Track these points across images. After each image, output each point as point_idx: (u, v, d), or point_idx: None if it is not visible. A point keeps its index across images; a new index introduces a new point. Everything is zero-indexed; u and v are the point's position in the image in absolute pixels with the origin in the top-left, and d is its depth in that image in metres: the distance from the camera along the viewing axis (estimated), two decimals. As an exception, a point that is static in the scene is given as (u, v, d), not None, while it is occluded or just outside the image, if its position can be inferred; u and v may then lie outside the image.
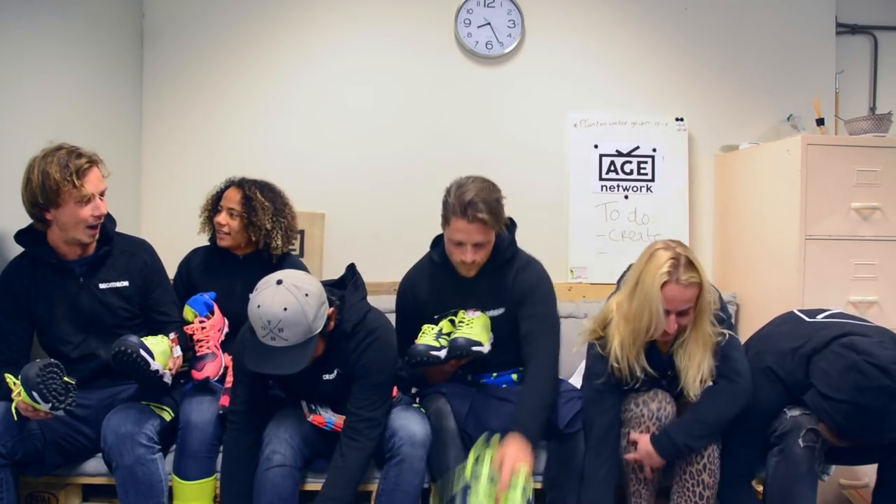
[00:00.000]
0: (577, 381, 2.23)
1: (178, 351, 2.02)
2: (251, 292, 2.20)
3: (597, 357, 1.97)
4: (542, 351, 2.02)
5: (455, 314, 2.13)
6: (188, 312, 2.17)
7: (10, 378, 1.75)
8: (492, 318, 2.13)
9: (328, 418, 1.99)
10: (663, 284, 1.76)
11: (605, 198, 3.11)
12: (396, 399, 2.13)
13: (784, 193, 2.61)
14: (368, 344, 1.91)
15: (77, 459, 2.01)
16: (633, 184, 3.12)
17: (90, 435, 1.97)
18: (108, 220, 2.06)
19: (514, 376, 2.20)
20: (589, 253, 3.08)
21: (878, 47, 3.28)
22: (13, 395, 1.73)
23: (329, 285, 1.97)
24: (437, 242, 2.22)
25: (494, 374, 2.19)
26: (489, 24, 3.08)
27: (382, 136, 3.08)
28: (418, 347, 2.03)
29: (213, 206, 2.36)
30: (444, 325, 2.12)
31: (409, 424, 1.96)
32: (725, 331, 1.91)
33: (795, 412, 1.87)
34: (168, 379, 1.96)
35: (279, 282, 1.74)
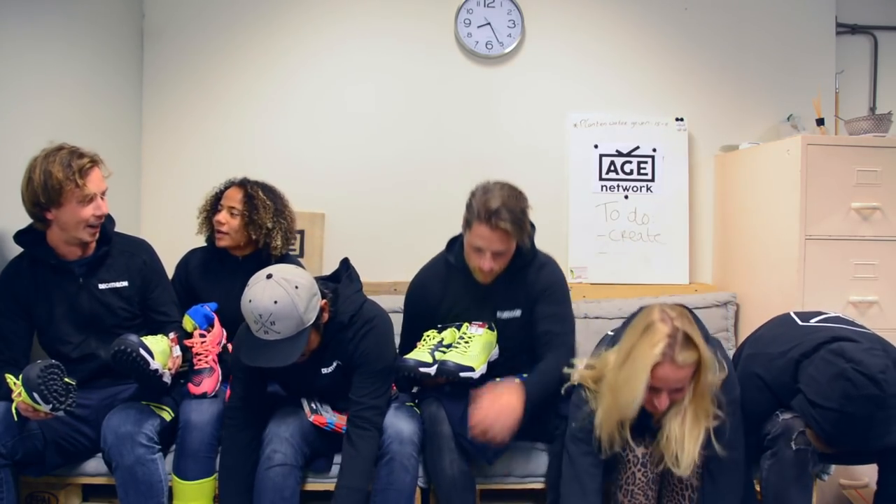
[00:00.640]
0: None
1: (177, 350, 2.02)
2: None
3: (577, 408, 1.86)
4: (558, 348, 2.02)
5: (459, 327, 2.08)
6: (188, 323, 2.15)
7: (10, 378, 1.75)
8: (507, 322, 2.09)
9: (329, 419, 2.00)
10: (655, 365, 1.64)
11: (605, 198, 3.11)
12: (393, 396, 2.14)
13: (784, 193, 2.61)
14: (366, 332, 1.93)
15: (77, 459, 2.01)
16: (633, 184, 3.12)
17: (90, 435, 1.97)
18: (107, 220, 2.06)
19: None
20: (589, 253, 3.08)
21: (878, 47, 3.28)
22: (13, 395, 1.73)
23: (323, 280, 1.98)
24: (453, 244, 2.18)
25: (498, 379, 2.18)
26: (489, 24, 3.08)
27: (382, 137, 3.08)
28: (408, 362, 1.95)
29: (213, 206, 2.35)
30: (448, 334, 2.07)
31: (397, 422, 1.97)
32: (721, 413, 1.78)
33: (787, 415, 1.86)
34: (167, 378, 1.96)
35: (269, 276, 1.76)
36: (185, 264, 2.40)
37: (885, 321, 2.51)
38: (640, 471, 1.86)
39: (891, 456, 1.85)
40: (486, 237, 1.94)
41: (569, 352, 2.04)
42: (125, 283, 2.07)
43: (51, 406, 1.71)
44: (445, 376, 1.94)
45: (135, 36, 2.99)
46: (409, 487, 1.94)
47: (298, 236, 2.97)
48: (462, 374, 1.93)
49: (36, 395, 1.68)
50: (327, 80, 3.07)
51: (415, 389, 2.31)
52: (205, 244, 2.42)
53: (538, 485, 2.14)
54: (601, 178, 3.11)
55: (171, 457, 2.01)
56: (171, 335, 2.04)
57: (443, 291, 2.14)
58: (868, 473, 2.30)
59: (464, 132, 3.09)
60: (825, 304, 2.19)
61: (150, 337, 1.97)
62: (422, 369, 1.94)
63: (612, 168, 3.11)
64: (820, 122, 2.91)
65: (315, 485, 2.00)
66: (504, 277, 2.08)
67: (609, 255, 3.09)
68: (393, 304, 2.62)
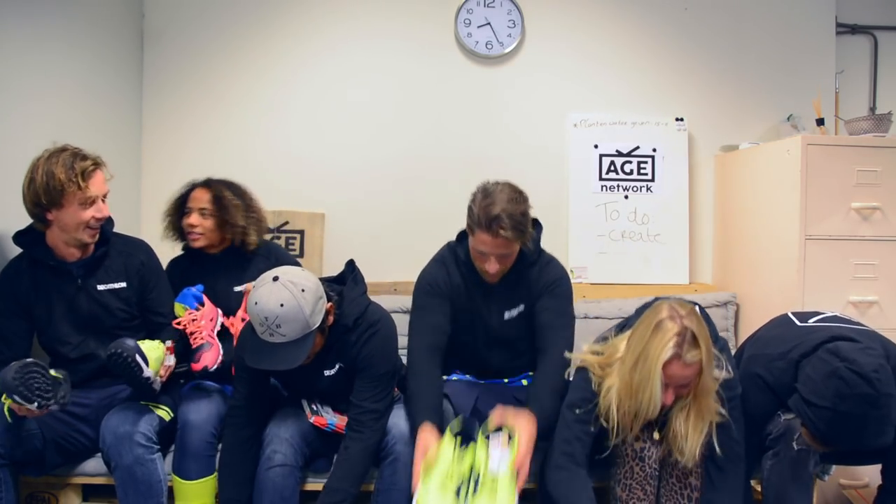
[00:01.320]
0: None
1: (171, 360, 2.01)
2: (233, 286, 2.24)
3: (583, 389, 1.88)
4: (557, 343, 2.01)
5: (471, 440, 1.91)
6: (178, 309, 2.15)
7: None
8: (511, 318, 2.10)
9: (330, 420, 2.00)
10: (666, 363, 1.68)
11: (605, 198, 3.11)
12: (396, 397, 2.13)
13: (784, 193, 2.61)
14: (370, 336, 1.92)
15: (77, 459, 2.01)
16: (633, 184, 3.12)
17: (90, 434, 1.97)
18: (106, 221, 2.06)
19: (525, 381, 2.21)
20: (589, 253, 3.08)
21: (878, 47, 3.28)
22: (2, 398, 1.73)
23: (328, 281, 1.98)
24: (464, 237, 2.15)
25: (506, 380, 2.20)
26: (489, 24, 3.08)
27: (382, 137, 3.09)
28: None
29: (179, 209, 2.31)
30: (468, 462, 1.83)
31: (401, 423, 1.97)
32: (724, 412, 1.81)
33: (789, 416, 1.87)
34: (157, 386, 1.96)
35: (275, 278, 1.76)
36: (169, 275, 2.32)
37: (885, 321, 2.51)
38: (638, 465, 1.86)
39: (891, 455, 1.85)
40: (489, 243, 1.95)
41: (568, 346, 2.03)
42: (123, 284, 2.07)
43: (36, 404, 1.70)
44: None
45: (135, 36, 2.99)
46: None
47: (298, 236, 2.97)
48: None
49: (16, 397, 1.68)
50: (327, 80, 3.07)
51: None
52: (181, 252, 2.40)
53: (530, 485, 2.14)
54: (601, 178, 3.11)
55: (170, 457, 2.02)
56: (168, 343, 2.03)
57: (451, 284, 2.11)
58: (868, 473, 2.30)
59: (464, 132, 3.09)
60: (825, 305, 2.18)
61: (147, 342, 1.96)
62: None
63: (612, 168, 3.11)
64: (820, 122, 2.91)
65: (315, 485, 2.00)
66: (510, 277, 2.08)
67: (609, 255, 3.09)
68: (393, 304, 2.62)
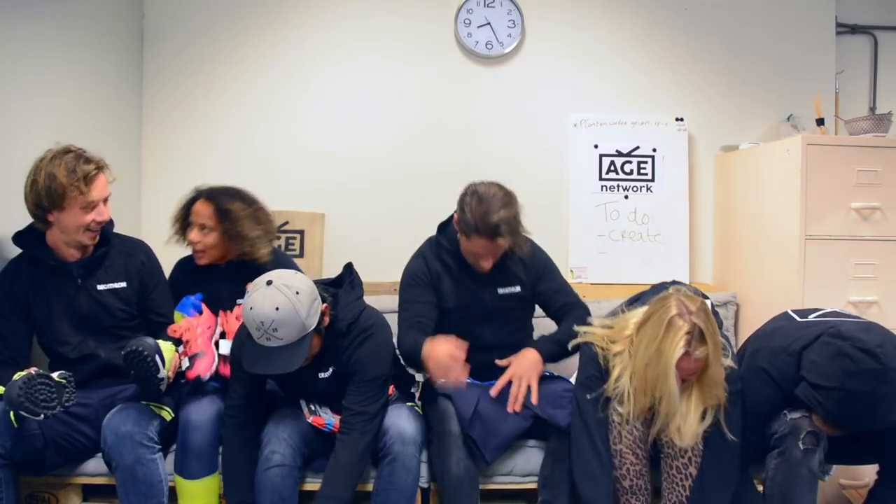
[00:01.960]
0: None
1: (186, 363, 2.01)
2: (237, 297, 2.19)
3: (590, 366, 1.96)
4: (578, 312, 2.21)
5: None
6: (178, 317, 2.14)
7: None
8: (506, 296, 2.19)
9: (328, 420, 2.00)
10: (678, 360, 1.75)
11: (605, 198, 3.11)
12: (393, 397, 2.14)
13: (784, 193, 2.61)
14: (362, 340, 1.92)
15: (77, 459, 2.01)
16: (633, 184, 3.12)
17: (90, 435, 1.97)
18: (106, 222, 2.06)
19: None
20: (589, 253, 3.08)
21: (878, 47, 3.28)
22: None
23: (323, 283, 1.98)
24: (444, 227, 2.24)
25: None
26: (489, 24, 3.08)
27: (383, 137, 3.08)
28: None
29: (183, 218, 2.25)
30: None
31: (399, 422, 1.97)
32: (725, 400, 1.87)
33: (795, 414, 1.87)
34: (164, 387, 1.95)
35: (269, 282, 1.75)
36: (173, 279, 2.31)
37: (885, 321, 2.48)
38: (626, 428, 1.89)
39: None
40: (486, 247, 2.03)
41: (584, 309, 2.25)
42: (123, 284, 2.07)
43: (42, 416, 1.71)
44: None
45: (135, 36, 2.99)
46: (411, 488, 1.95)
47: (298, 236, 2.97)
48: None
49: (23, 412, 1.69)
50: (327, 79, 3.07)
51: (414, 390, 2.32)
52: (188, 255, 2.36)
53: (531, 484, 2.14)
54: (601, 178, 3.11)
55: (171, 457, 2.02)
56: (181, 348, 2.03)
57: (432, 272, 2.18)
58: (868, 473, 2.29)
59: (464, 132, 3.09)
60: (825, 304, 2.18)
61: (163, 343, 1.96)
62: None
63: (612, 168, 3.11)
64: (820, 122, 2.91)
65: (314, 485, 2.00)
66: (499, 260, 2.15)
67: (609, 255, 3.09)
68: (393, 304, 2.61)
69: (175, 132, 3.04)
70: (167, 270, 2.31)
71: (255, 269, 2.16)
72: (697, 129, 3.17)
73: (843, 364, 1.71)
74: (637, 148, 3.12)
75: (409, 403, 2.15)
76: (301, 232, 2.97)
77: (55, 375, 1.78)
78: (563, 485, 1.99)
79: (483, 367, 2.17)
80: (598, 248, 3.09)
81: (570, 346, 2.07)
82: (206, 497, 1.98)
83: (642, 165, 3.12)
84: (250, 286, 1.80)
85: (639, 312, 1.92)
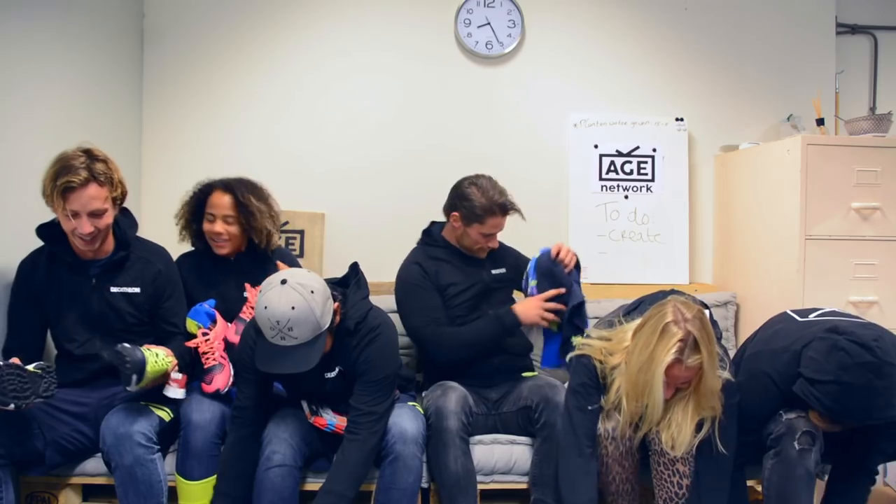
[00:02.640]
0: None
1: (175, 375, 1.99)
2: (243, 291, 2.21)
3: (583, 374, 1.94)
4: None
5: None
6: (191, 325, 2.13)
7: None
8: (498, 276, 2.39)
9: (329, 420, 2.00)
10: (668, 367, 1.74)
11: (605, 198, 3.11)
12: (395, 398, 2.13)
13: (784, 193, 2.61)
14: (370, 340, 1.92)
15: (77, 459, 2.01)
16: (633, 184, 3.12)
17: (90, 434, 1.97)
18: (128, 226, 2.08)
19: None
20: (589, 253, 3.07)
21: (878, 47, 3.28)
22: None
23: (331, 283, 1.98)
24: (429, 233, 2.45)
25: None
26: (489, 24, 3.08)
27: (383, 136, 3.08)
28: None
29: (195, 212, 2.25)
30: None
31: (401, 422, 1.97)
32: (721, 412, 1.85)
33: (791, 415, 1.87)
34: (131, 391, 1.89)
35: (284, 281, 1.75)
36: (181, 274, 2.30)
37: (885, 321, 2.49)
38: (612, 444, 1.91)
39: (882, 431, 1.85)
40: (499, 224, 2.29)
41: None
42: (137, 290, 2.06)
43: (13, 405, 1.70)
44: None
45: (135, 36, 2.99)
46: (413, 487, 1.95)
47: (299, 235, 2.97)
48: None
49: None
50: (327, 79, 3.07)
51: (413, 392, 2.33)
52: (191, 248, 2.35)
53: (522, 484, 2.15)
54: (601, 178, 3.11)
55: (170, 457, 2.02)
56: (174, 362, 1.98)
57: (437, 265, 2.33)
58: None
59: (464, 132, 3.09)
60: (825, 304, 2.18)
61: (158, 356, 1.90)
62: None
63: (612, 168, 3.11)
64: (820, 122, 2.92)
65: (315, 485, 2.00)
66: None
67: (609, 255, 3.09)
68: (393, 304, 2.62)
69: (175, 132, 3.04)
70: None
71: (261, 261, 2.25)
72: (697, 129, 3.17)
73: (838, 358, 1.72)
74: (637, 148, 3.12)
75: (411, 403, 2.15)
76: (301, 232, 2.97)
77: (31, 367, 1.77)
78: (553, 482, 2.01)
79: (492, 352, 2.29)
80: (598, 248, 3.09)
81: (567, 358, 2.06)
82: (206, 498, 1.98)
83: (642, 165, 3.12)
84: (262, 285, 1.78)
85: (637, 322, 1.90)
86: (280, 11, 3.06)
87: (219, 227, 2.20)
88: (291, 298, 1.72)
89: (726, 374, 1.87)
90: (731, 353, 2.40)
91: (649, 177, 3.12)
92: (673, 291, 2.05)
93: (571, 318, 2.22)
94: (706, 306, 1.95)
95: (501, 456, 2.15)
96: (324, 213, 3.03)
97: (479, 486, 2.09)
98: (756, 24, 3.18)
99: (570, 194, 3.10)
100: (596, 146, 3.11)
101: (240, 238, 2.25)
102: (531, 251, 2.42)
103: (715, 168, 3.18)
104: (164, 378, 1.96)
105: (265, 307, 1.72)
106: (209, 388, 2.03)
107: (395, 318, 2.20)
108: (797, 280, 2.54)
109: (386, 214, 3.07)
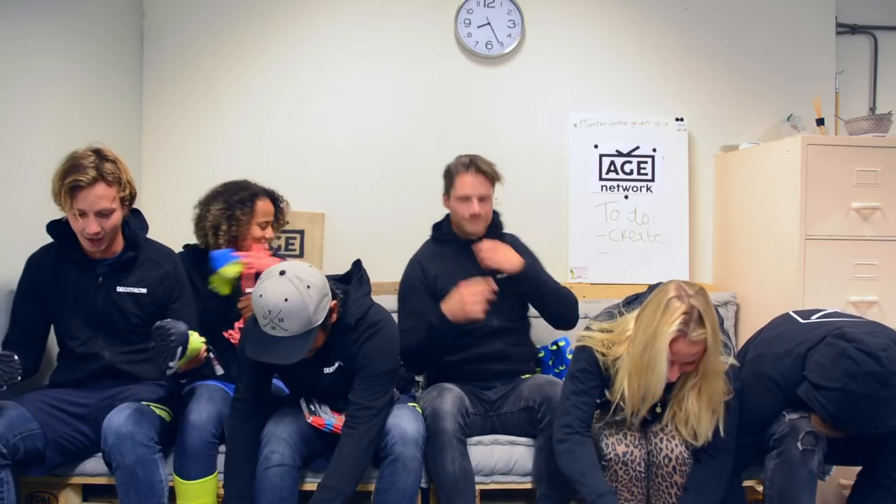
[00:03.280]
0: None
1: (207, 356, 2.00)
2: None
3: (583, 361, 1.91)
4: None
5: None
6: (231, 269, 2.12)
7: None
8: (504, 280, 2.24)
9: (328, 420, 2.00)
10: (672, 341, 1.71)
11: (605, 198, 3.11)
12: (395, 399, 2.13)
13: (784, 193, 2.61)
14: (370, 336, 1.93)
15: (77, 459, 2.01)
16: (633, 184, 3.12)
17: (90, 434, 1.97)
18: (138, 227, 2.08)
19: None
20: (589, 253, 3.08)
21: (878, 47, 3.28)
22: None
23: (335, 280, 1.98)
24: (438, 228, 2.43)
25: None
26: (489, 24, 3.08)
27: (382, 136, 3.08)
28: None
29: (235, 218, 2.25)
30: None
31: (401, 423, 1.97)
32: (732, 394, 1.85)
33: (794, 415, 1.87)
34: (168, 373, 1.91)
35: (282, 272, 1.76)
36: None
37: (885, 321, 2.47)
38: (622, 469, 1.88)
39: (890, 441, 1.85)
40: (471, 183, 2.24)
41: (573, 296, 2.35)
42: (144, 291, 2.06)
43: None
44: None
45: (135, 35, 2.99)
46: (412, 488, 1.95)
47: (299, 235, 2.97)
48: None
49: None
50: (327, 80, 3.07)
51: (414, 391, 2.33)
52: (184, 245, 2.38)
53: (526, 484, 2.15)
54: (601, 178, 3.11)
55: (171, 458, 2.01)
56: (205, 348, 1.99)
57: (437, 264, 2.31)
58: (868, 473, 2.29)
59: (464, 132, 3.09)
60: (825, 304, 2.18)
61: (192, 333, 1.92)
62: None
63: (612, 168, 3.11)
64: (820, 122, 2.92)
65: (314, 484, 2.00)
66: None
67: (609, 255, 3.09)
68: (393, 304, 2.61)
69: (175, 131, 3.04)
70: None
71: None
72: (697, 129, 3.17)
73: (845, 366, 1.71)
74: (637, 148, 3.12)
75: (411, 404, 2.15)
76: (301, 232, 2.97)
77: None
78: (558, 477, 2.00)
79: (492, 357, 2.26)
80: (598, 248, 3.09)
81: (567, 352, 2.06)
82: (204, 498, 1.98)
83: (642, 165, 3.12)
84: (263, 274, 1.81)
85: (638, 311, 1.88)
86: (280, 11, 3.06)
87: (268, 232, 2.33)
88: (286, 290, 1.73)
89: (730, 360, 1.86)
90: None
91: (649, 177, 3.12)
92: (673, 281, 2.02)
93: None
94: None
95: (501, 457, 2.15)
96: (324, 213, 3.03)
97: (479, 487, 2.10)
98: (756, 23, 3.18)
99: (570, 194, 3.10)
100: (596, 146, 3.11)
101: None
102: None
103: (715, 168, 3.18)
104: (196, 360, 1.97)
105: (260, 295, 1.75)
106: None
107: (394, 318, 2.20)
108: (797, 280, 2.54)
109: (386, 214, 3.07)
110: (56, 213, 1.96)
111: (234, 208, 2.26)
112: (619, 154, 3.12)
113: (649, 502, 1.93)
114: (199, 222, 2.31)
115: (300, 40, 3.07)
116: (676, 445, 1.87)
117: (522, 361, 2.34)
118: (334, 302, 1.87)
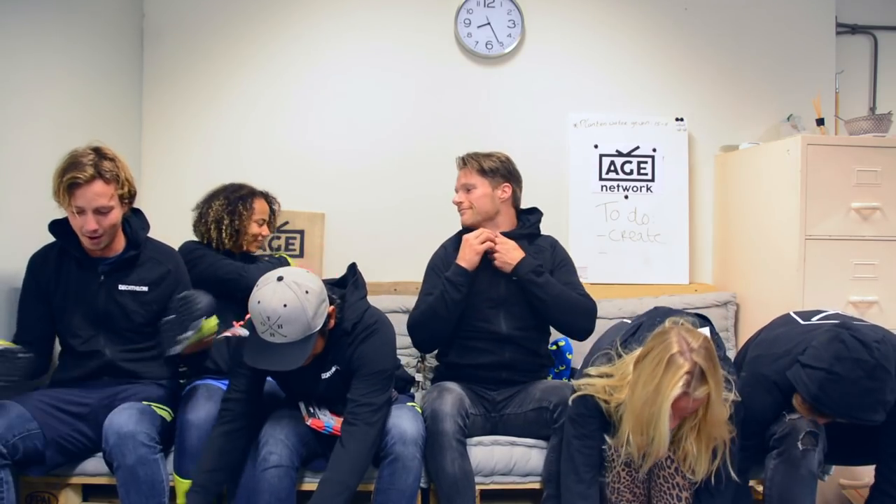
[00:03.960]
0: None
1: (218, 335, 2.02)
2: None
3: (583, 406, 1.88)
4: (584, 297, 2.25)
5: None
6: (209, 323, 2.09)
7: None
8: (509, 281, 2.21)
9: (327, 422, 1.99)
10: (675, 401, 1.67)
11: (605, 198, 3.11)
12: (394, 399, 2.13)
13: (784, 193, 2.61)
14: (365, 337, 1.93)
15: (77, 459, 2.01)
16: (633, 184, 3.12)
17: (90, 434, 1.97)
18: (139, 226, 2.09)
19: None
20: (589, 253, 3.08)
21: (878, 47, 3.28)
22: None
23: (331, 284, 1.98)
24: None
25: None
26: (489, 24, 3.08)
27: (382, 136, 3.08)
28: None
29: (237, 217, 2.35)
30: None
31: (401, 423, 1.97)
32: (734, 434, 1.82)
33: (795, 415, 1.87)
34: (173, 351, 1.93)
35: (280, 278, 1.75)
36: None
37: (885, 321, 2.49)
38: (625, 470, 1.87)
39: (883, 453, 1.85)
40: (460, 178, 2.32)
41: (593, 304, 2.24)
42: (145, 289, 2.06)
43: None
44: None
45: (135, 35, 2.99)
46: (412, 488, 1.94)
47: (299, 235, 2.97)
48: None
49: None
50: (327, 80, 3.07)
51: (414, 391, 2.32)
52: (189, 239, 2.41)
53: (538, 484, 2.14)
54: (601, 178, 3.11)
55: (171, 457, 2.01)
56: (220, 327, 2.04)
57: (448, 262, 2.26)
58: (868, 473, 2.29)
59: (464, 132, 3.08)
60: (825, 305, 2.18)
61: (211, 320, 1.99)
62: None
63: (612, 168, 3.11)
64: (820, 122, 2.92)
65: (312, 485, 2.00)
66: (515, 241, 2.24)
67: (609, 255, 3.09)
68: (393, 304, 2.62)
69: (175, 131, 3.04)
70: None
71: (252, 259, 2.42)
72: (697, 129, 3.17)
73: (836, 348, 1.73)
74: (637, 148, 3.12)
75: (410, 404, 2.15)
76: (301, 232, 2.97)
77: None
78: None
79: (499, 365, 2.21)
80: (599, 248, 3.09)
81: (569, 400, 1.96)
82: None
83: (642, 165, 3.12)
84: (260, 281, 1.79)
85: (637, 353, 1.82)
86: (280, 11, 3.06)
87: (265, 230, 2.43)
88: (285, 296, 1.72)
89: (732, 397, 1.80)
90: (732, 355, 2.40)
91: (649, 177, 3.12)
92: (669, 311, 1.96)
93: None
94: (706, 320, 1.91)
95: (501, 457, 2.15)
96: (324, 213, 3.03)
97: (480, 487, 2.09)
98: (756, 24, 3.18)
99: (570, 194, 3.10)
100: (596, 146, 3.11)
101: None
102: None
103: (715, 168, 3.18)
104: (204, 343, 2.02)
105: (258, 301, 1.73)
106: None
107: (395, 318, 2.20)
108: (797, 280, 2.54)
109: (386, 214, 3.07)
110: (57, 212, 1.96)
111: (235, 203, 2.36)
112: (619, 154, 3.12)
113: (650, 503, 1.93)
114: (200, 219, 2.39)
115: (300, 41, 3.07)
116: None
117: (530, 371, 2.26)
118: (332, 307, 1.87)
